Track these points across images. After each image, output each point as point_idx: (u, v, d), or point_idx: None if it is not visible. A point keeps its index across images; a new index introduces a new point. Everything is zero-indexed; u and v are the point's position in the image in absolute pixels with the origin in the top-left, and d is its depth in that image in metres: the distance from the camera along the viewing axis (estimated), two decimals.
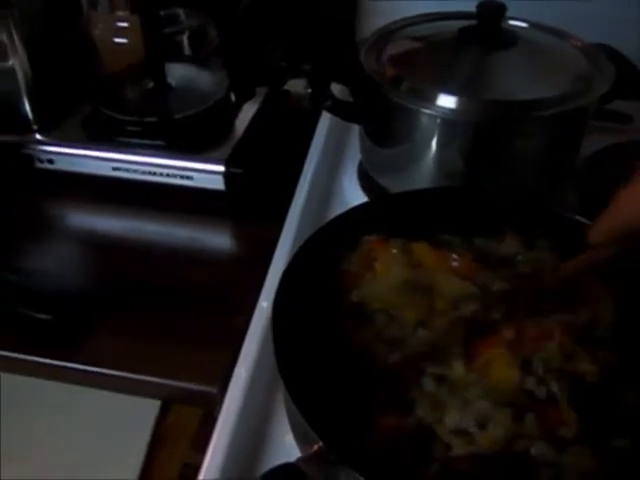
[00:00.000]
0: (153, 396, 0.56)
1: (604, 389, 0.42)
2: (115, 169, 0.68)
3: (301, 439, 0.43)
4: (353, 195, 0.70)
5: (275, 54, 0.80)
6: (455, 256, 0.50)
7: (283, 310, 0.45)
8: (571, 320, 0.45)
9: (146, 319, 0.60)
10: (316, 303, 0.47)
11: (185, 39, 0.71)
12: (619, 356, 0.44)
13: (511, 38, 0.63)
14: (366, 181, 0.71)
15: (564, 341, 0.43)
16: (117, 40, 0.66)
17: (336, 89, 0.71)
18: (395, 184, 0.66)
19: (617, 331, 0.46)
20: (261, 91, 0.77)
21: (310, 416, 0.37)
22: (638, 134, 0.79)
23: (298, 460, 0.38)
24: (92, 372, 0.55)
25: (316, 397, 0.39)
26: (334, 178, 0.74)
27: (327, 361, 0.43)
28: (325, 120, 0.77)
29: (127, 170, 0.68)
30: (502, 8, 0.62)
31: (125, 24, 0.65)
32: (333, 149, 0.76)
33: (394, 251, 0.49)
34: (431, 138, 0.61)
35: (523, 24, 0.68)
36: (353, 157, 0.74)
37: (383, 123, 0.64)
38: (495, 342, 0.43)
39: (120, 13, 0.65)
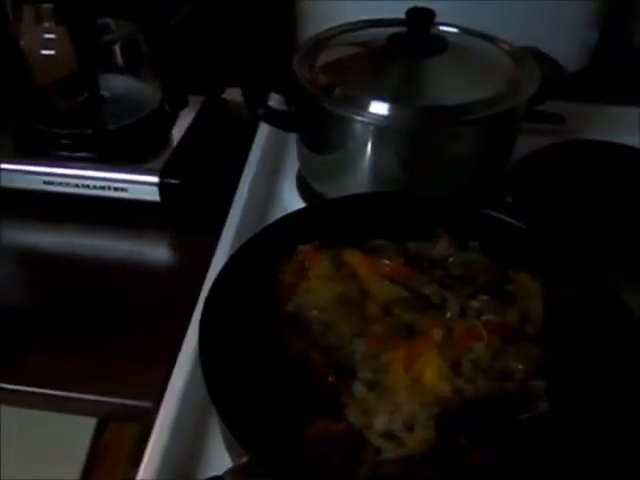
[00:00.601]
0: (89, 414, 0.55)
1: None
2: (47, 183, 0.67)
3: (233, 452, 0.42)
4: (292, 203, 0.70)
5: (213, 62, 0.80)
6: (387, 261, 0.50)
7: (212, 320, 0.44)
8: (499, 319, 0.46)
9: (80, 335, 0.58)
10: (248, 312, 0.47)
11: (117, 49, 0.70)
12: (547, 353, 0.45)
13: (441, 44, 0.64)
14: (304, 188, 0.71)
15: (492, 340, 0.44)
16: (45, 52, 0.65)
17: (274, 97, 0.71)
18: (332, 191, 0.66)
19: (546, 329, 0.47)
20: (198, 100, 0.77)
21: (234, 427, 0.37)
22: (570, 134, 0.81)
23: (225, 473, 0.37)
24: (24, 392, 0.53)
25: (244, 408, 0.39)
26: (273, 186, 0.74)
27: (258, 371, 0.43)
28: (264, 128, 0.76)
29: (59, 184, 0.66)
30: (430, 15, 0.63)
31: (52, 35, 0.64)
32: (272, 157, 0.76)
33: (325, 263, 0.49)
34: (365, 145, 0.61)
35: (453, 29, 0.69)
36: (292, 164, 0.74)
37: (317, 131, 0.64)
38: (426, 344, 0.43)
39: (46, 24, 0.64)
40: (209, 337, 0.43)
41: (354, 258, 0.49)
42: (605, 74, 0.95)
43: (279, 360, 0.44)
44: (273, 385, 0.43)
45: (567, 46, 0.86)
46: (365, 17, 0.71)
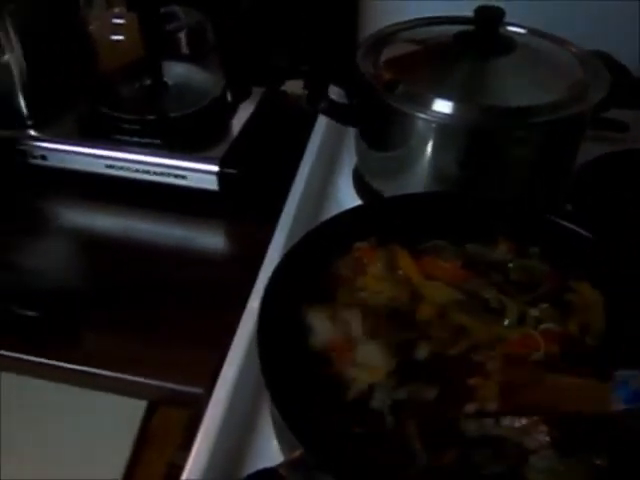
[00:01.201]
0: (140, 396, 0.56)
1: None
2: (108, 167, 0.68)
3: (284, 444, 0.43)
4: (347, 198, 0.70)
5: (275, 54, 0.80)
6: (444, 263, 0.50)
7: (270, 313, 0.44)
8: (559, 329, 0.45)
9: (135, 319, 0.59)
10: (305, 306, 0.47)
11: (183, 37, 0.71)
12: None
13: (508, 44, 0.63)
14: (361, 184, 0.70)
15: (550, 350, 0.43)
16: (113, 37, 0.66)
17: (334, 92, 0.71)
18: (389, 188, 0.66)
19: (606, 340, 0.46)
20: (259, 91, 0.77)
21: (292, 421, 0.37)
22: (633, 143, 0.79)
23: (278, 465, 0.37)
24: (80, 371, 0.54)
25: (299, 403, 0.39)
26: (329, 180, 0.73)
27: (311, 367, 0.43)
28: (322, 122, 0.76)
29: (120, 168, 0.68)
30: (500, 14, 0.62)
31: (121, 21, 0.65)
32: (329, 151, 0.75)
33: (379, 264, 0.49)
34: (426, 143, 0.61)
35: (521, 30, 0.68)
36: (349, 160, 0.73)
37: (378, 127, 0.63)
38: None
39: (116, 10, 0.65)
40: (267, 330, 0.43)
41: (404, 260, 0.49)
42: None
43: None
44: (324, 383, 0.43)
45: (634, 52, 0.84)
46: (428, 14, 0.71)
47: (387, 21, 0.71)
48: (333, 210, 0.59)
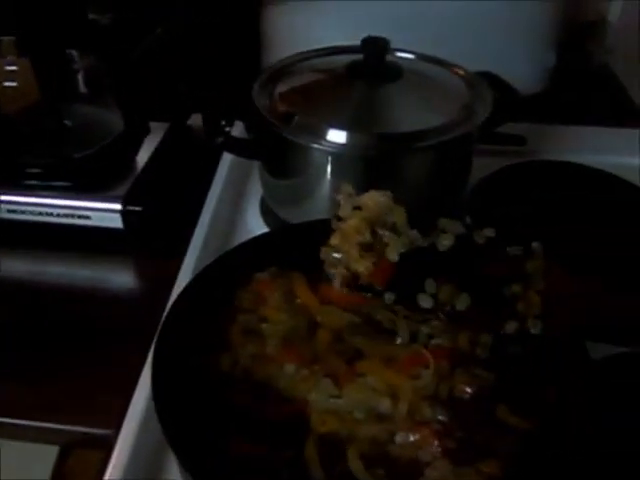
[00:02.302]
0: (50, 442, 0.55)
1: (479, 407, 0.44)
2: (10, 211, 0.68)
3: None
4: (256, 228, 0.70)
5: (177, 88, 0.81)
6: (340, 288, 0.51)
7: (167, 344, 0.45)
8: (449, 344, 0.47)
9: (42, 362, 0.59)
10: (204, 340, 0.48)
11: (80, 79, 0.71)
12: (495, 375, 0.46)
13: (396, 71, 0.66)
14: (268, 214, 0.72)
15: (440, 366, 0.45)
16: (7, 84, 0.66)
17: (239, 125, 0.73)
18: (294, 216, 0.67)
19: (494, 352, 0.48)
20: (163, 126, 0.78)
21: (185, 460, 0.38)
22: (533, 155, 0.83)
23: None
24: None
25: (195, 440, 0.40)
26: (237, 211, 0.74)
27: (212, 402, 0.44)
28: (228, 154, 0.78)
29: (23, 212, 0.67)
30: (385, 44, 0.65)
31: (14, 67, 0.65)
32: (236, 182, 0.77)
33: (277, 294, 0.50)
34: (324, 172, 0.63)
35: (409, 55, 0.71)
36: (256, 190, 0.74)
37: (277, 158, 0.65)
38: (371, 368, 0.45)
39: (8, 57, 0.65)
40: (162, 366, 0.43)
41: (301, 288, 0.50)
42: (567, 95, 0.98)
43: (232, 392, 0.45)
44: (225, 415, 0.43)
45: (525, 69, 0.89)
46: (329, 42, 0.73)
47: (290, 52, 0.73)
48: (242, 241, 0.60)
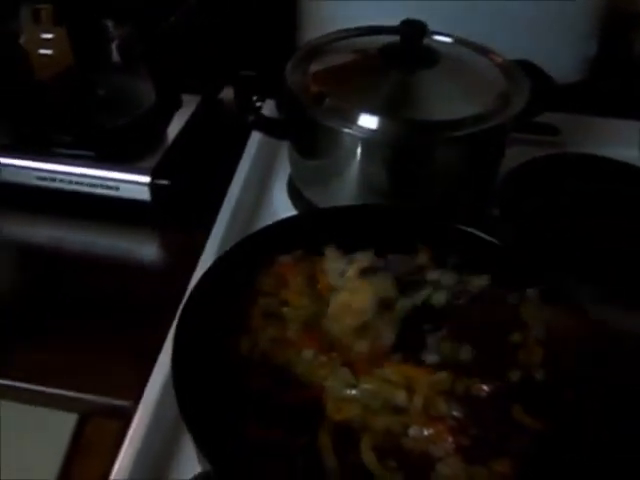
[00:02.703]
0: (70, 410, 0.56)
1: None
2: (39, 178, 0.68)
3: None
4: (282, 207, 0.71)
5: (212, 62, 0.80)
6: None
7: (188, 326, 0.46)
8: None
9: (65, 330, 0.60)
10: (224, 322, 0.48)
11: (114, 49, 0.71)
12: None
13: (432, 56, 0.65)
14: (295, 194, 0.72)
15: None
16: (42, 51, 0.66)
17: (270, 103, 0.72)
18: (321, 198, 0.67)
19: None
20: (195, 100, 0.78)
21: (196, 435, 0.39)
22: (565, 146, 0.82)
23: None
24: (6, 386, 0.55)
25: (211, 420, 0.40)
26: (264, 190, 0.74)
27: (229, 383, 0.44)
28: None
29: (52, 180, 0.68)
30: (422, 28, 0.63)
31: (50, 35, 0.65)
32: (265, 160, 0.76)
33: (299, 279, 0.50)
34: (353, 156, 0.62)
35: (447, 39, 0.69)
36: (284, 169, 0.74)
37: (306, 139, 0.65)
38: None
39: (44, 24, 0.65)
40: (182, 348, 0.44)
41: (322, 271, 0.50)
42: (606, 85, 0.96)
43: (250, 376, 0.45)
44: (242, 398, 0.44)
45: (565, 58, 0.87)
46: (367, 22, 0.72)
47: (326, 30, 0.72)
48: (268, 220, 0.60)
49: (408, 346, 0.47)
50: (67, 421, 0.57)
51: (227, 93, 0.82)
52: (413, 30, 0.63)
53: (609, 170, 0.77)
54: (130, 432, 0.49)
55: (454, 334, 0.48)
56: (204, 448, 0.39)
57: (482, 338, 0.48)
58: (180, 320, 0.45)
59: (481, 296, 0.51)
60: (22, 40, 0.65)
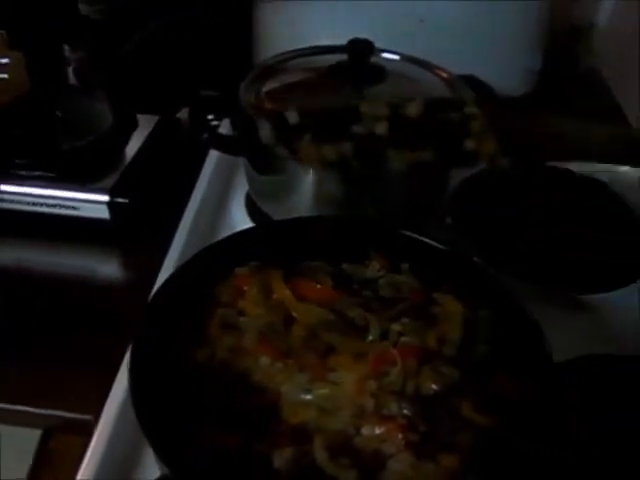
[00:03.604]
0: (33, 426, 0.57)
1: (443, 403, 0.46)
2: None
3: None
4: (241, 223, 0.72)
5: (169, 82, 0.82)
6: (316, 284, 0.53)
7: (145, 336, 0.47)
8: (417, 342, 0.49)
9: (27, 348, 0.61)
10: (182, 334, 0.49)
11: (70, 72, 0.72)
12: (460, 372, 0.48)
13: (380, 73, 0.67)
14: (253, 209, 0.73)
15: (408, 364, 0.47)
16: None
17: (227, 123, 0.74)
18: (278, 212, 0.69)
19: (461, 349, 0.50)
20: (153, 120, 0.79)
21: (152, 438, 0.40)
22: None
23: None
24: None
25: (164, 422, 0.42)
26: (222, 206, 0.76)
27: (185, 392, 0.46)
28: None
29: (11, 201, 0.69)
30: (370, 46, 0.66)
31: (5, 60, 0.66)
32: (223, 176, 0.78)
33: (255, 290, 0.52)
34: (307, 169, 0.64)
35: (393, 56, 0.72)
36: (242, 185, 0.75)
37: (260, 156, 0.67)
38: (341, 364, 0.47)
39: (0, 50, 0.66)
40: (139, 358, 0.45)
41: (277, 284, 0.52)
42: (552, 98, 0.99)
43: (208, 385, 0.47)
44: (200, 406, 0.45)
45: (510, 72, 0.90)
46: (320, 38, 0.74)
47: (282, 49, 0.74)
48: (226, 235, 0.62)
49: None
50: (31, 437, 0.57)
51: (184, 113, 0.83)
52: (360, 48, 0.66)
53: (558, 178, 0.81)
54: (91, 446, 0.50)
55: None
56: (163, 455, 0.40)
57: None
58: (138, 330, 0.47)
59: None
60: None
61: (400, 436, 0.44)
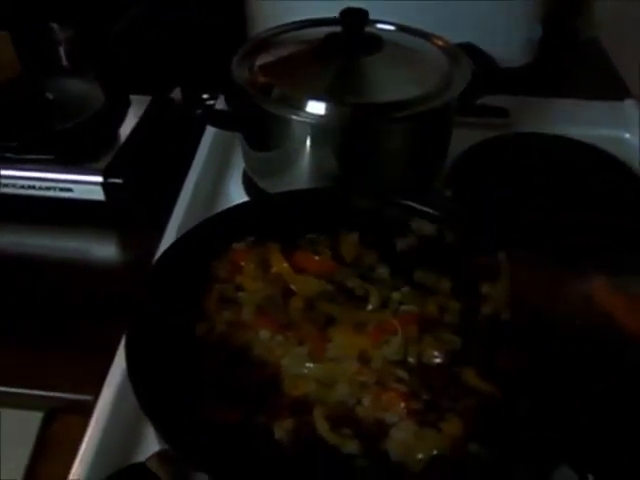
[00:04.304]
0: (34, 408, 0.57)
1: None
2: None
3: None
4: (238, 200, 0.70)
5: (163, 61, 0.81)
6: (314, 256, 0.52)
7: (142, 311, 0.47)
8: (418, 310, 0.48)
9: (26, 331, 0.60)
10: (179, 309, 0.49)
11: (61, 52, 0.71)
12: (462, 340, 0.47)
13: (375, 43, 0.66)
14: (249, 185, 0.72)
15: (409, 331, 0.46)
16: None
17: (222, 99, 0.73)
18: (274, 187, 0.68)
19: (463, 317, 0.49)
20: (146, 100, 0.78)
21: (151, 412, 0.39)
22: (514, 127, 0.84)
23: (147, 459, 0.39)
24: None
25: (165, 399, 0.41)
26: (220, 183, 0.75)
27: (183, 367, 0.45)
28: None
29: (5, 185, 0.68)
30: (364, 15, 0.65)
31: None
32: (219, 154, 0.77)
33: (253, 265, 0.51)
34: (303, 143, 0.63)
35: (389, 27, 0.71)
36: (239, 162, 0.75)
37: (257, 130, 0.66)
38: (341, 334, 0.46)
39: None
40: (136, 334, 0.45)
41: (275, 257, 0.51)
42: (553, 68, 0.98)
43: (207, 359, 0.46)
44: (200, 380, 0.45)
45: (509, 41, 0.89)
46: (315, 12, 0.73)
47: (275, 24, 0.73)
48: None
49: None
50: (33, 419, 0.57)
51: (178, 93, 0.82)
52: (355, 18, 0.65)
53: (560, 148, 0.80)
54: (90, 426, 0.50)
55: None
56: (162, 430, 0.40)
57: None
58: (134, 304, 0.46)
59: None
60: None
61: (402, 404, 0.43)
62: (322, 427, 0.42)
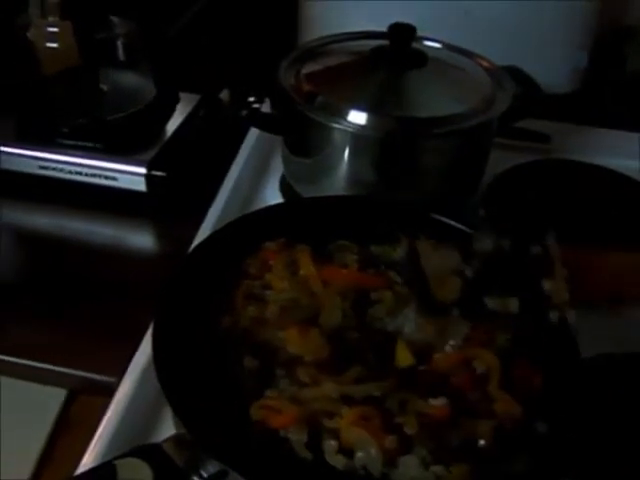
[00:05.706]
0: (58, 385, 0.59)
1: None
2: (42, 167, 0.71)
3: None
4: (273, 201, 0.73)
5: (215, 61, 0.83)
6: (341, 268, 0.53)
7: (171, 301, 0.48)
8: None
9: (60, 310, 0.63)
10: (208, 303, 0.50)
11: (118, 45, 0.74)
12: None
13: (420, 58, 0.67)
14: (286, 189, 0.74)
15: None
16: (49, 45, 0.69)
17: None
18: (311, 192, 0.69)
19: None
20: (195, 98, 0.80)
21: (172, 396, 0.41)
22: (555, 154, 0.84)
23: (163, 441, 0.41)
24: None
25: (185, 383, 0.43)
26: (258, 184, 0.77)
27: (205, 357, 0.46)
28: (255, 129, 0.80)
29: (54, 169, 0.71)
30: (411, 31, 0.66)
31: (56, 29, 0.68)
32: (260, 157, 0.79)
33: (281, 266, 0.52)
34: (343, 151, 0.65)
35: (436, 44, 0.72)
36: (278, 167, 0.76)
37: (299, 135, 0.67)
38: None
39: (51, 19, 0.68)
40: (163, 322, 0.46)
41: (304, 262, 0.52)
42: (599, 97, 0.98)
43: (227, 348, 0.48)
44: (217, 369, 0.46)
45: (555, 68, 0.89)
46: (366, 24, 0.74)
47: (325, 31, 0.75)
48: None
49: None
50: (55, 397, 0.59)
51: (227, 95, 0.84)
52: (402, 32, 0.66)
53: (594, 177, 0.79)
54: (110, 407, 0.51)
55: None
56: (179, 411, 0.41)
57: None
58: (164, 293, 0.48)
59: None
60: (29, 33, 0.68)
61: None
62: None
